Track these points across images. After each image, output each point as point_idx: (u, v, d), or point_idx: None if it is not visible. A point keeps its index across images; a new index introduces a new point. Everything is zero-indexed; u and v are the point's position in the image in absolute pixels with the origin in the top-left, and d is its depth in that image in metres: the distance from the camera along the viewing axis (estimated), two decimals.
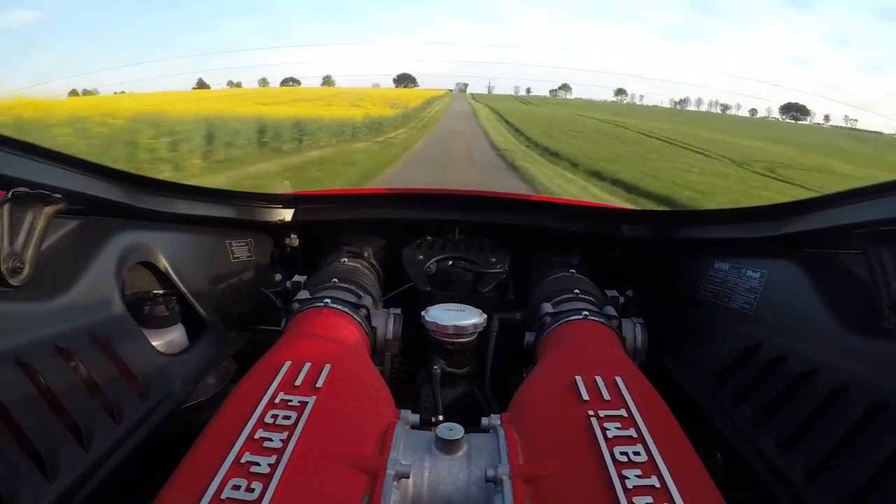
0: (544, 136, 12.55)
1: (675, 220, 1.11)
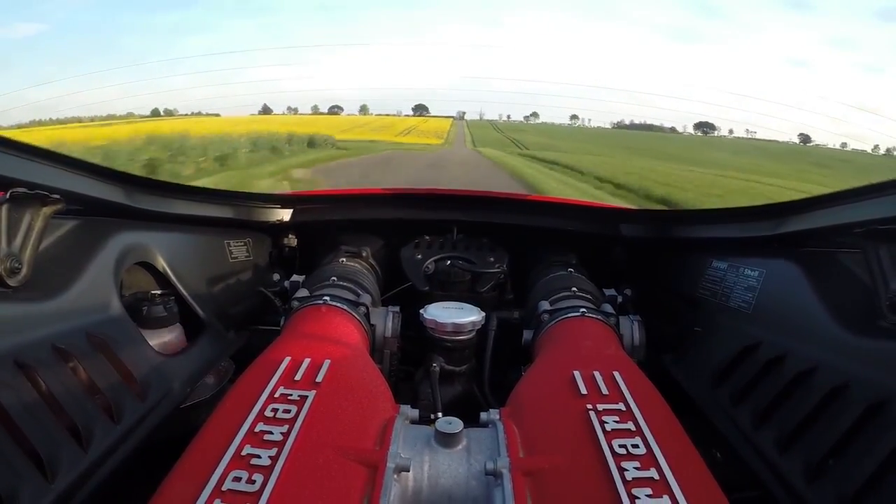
0: (479, 144, 26.75)
1: (673, 219, 1.11)
